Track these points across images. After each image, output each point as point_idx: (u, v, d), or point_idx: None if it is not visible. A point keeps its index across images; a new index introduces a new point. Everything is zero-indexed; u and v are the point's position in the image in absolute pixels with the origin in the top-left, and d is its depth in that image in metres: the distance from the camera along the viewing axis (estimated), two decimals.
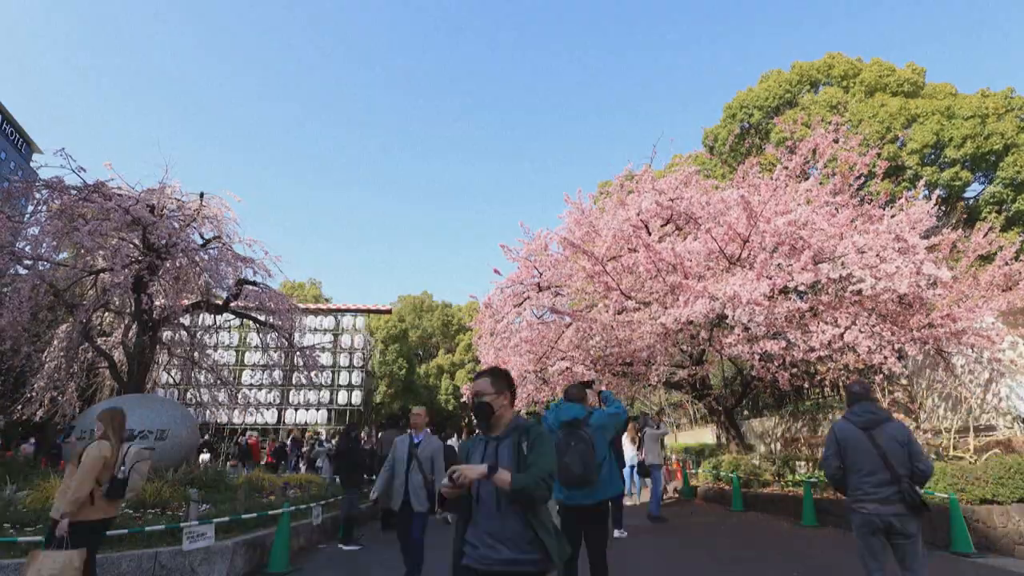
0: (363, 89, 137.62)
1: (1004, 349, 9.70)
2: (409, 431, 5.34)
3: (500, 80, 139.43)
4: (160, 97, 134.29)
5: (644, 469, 11.16)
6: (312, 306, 25.79)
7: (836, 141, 10.51)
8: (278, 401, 22.38)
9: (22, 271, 10.36)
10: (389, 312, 35.76)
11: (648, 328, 9.33)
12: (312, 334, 22.77)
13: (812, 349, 8.64)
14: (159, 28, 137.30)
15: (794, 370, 9.83)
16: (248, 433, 20.12)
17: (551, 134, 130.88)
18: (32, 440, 17.63)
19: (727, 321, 9.25)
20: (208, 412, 15.49)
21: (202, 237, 11.71)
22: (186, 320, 13.52)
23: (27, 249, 10.13)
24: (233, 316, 13.36)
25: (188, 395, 15.39)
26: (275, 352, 14.21)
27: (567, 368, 12.72)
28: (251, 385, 21.52)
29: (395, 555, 7.06)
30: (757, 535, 8.10)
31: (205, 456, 15.89)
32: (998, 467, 6.81)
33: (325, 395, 22.74)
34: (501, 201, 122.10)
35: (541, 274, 12.07)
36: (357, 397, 23.01)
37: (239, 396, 16.33)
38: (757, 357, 9.26)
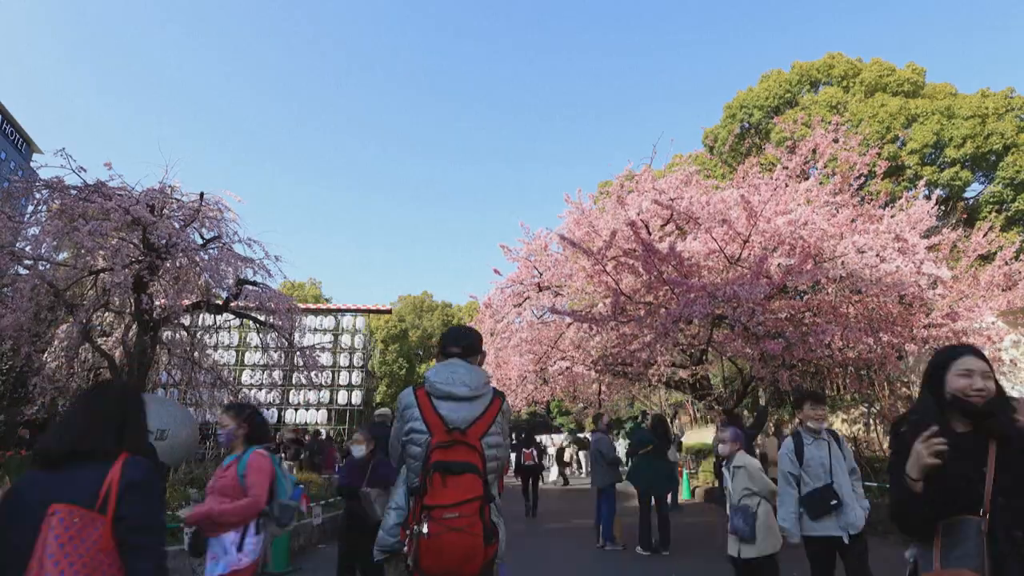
0: (363, 89, 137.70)
1: (1006, 348, 9.72)
2: None
3: (500, 81, 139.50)
4: (160, 97, 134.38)
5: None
6: (312, 306, 25.80)
7: (836, 141, 10.52)
8: (278, 401, 22.39)
9: (22, 271, 10.37)
10: (389, 312, 35.79)
11: (648, 328, 9.33)
12: (312, 334, 22.75)
13: (812, 349, 8.64)
14: (159, 28, 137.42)
15: (794, 370, 9.83)
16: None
17: (551, 134, 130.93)
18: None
19: (727, 321, 9.26)
20: (208, 412, 15.48)
21: (202, 237, 11.71)
22: (186, 320, 13.52)
23: (27, 249, 10.14)
24: (233, 316, 13.36)
25: (188, 395, 15.40)
26: (275, 352, 14.20)
27: (567, 368, 12.72)
28: (251, 385, 21.51)
29: None
30: None
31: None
32: None
33: (325, 395, 22.75)
34: (501, 201, 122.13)
35: (541, 274, 12.08)
36: (357, 397, 23.02)
37: (239, 396, 16.33)
38: (757, 357, 9.26)
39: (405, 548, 2.18)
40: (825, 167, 10.74)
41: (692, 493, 13.06)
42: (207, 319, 15.96)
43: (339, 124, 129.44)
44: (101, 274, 11.11)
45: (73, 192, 10.17)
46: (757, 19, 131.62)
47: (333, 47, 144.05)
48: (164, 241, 10.44)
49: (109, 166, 10.43)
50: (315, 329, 23.37)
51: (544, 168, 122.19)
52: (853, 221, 9.51)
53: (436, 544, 2.07)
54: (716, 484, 12.71)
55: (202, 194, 11.38)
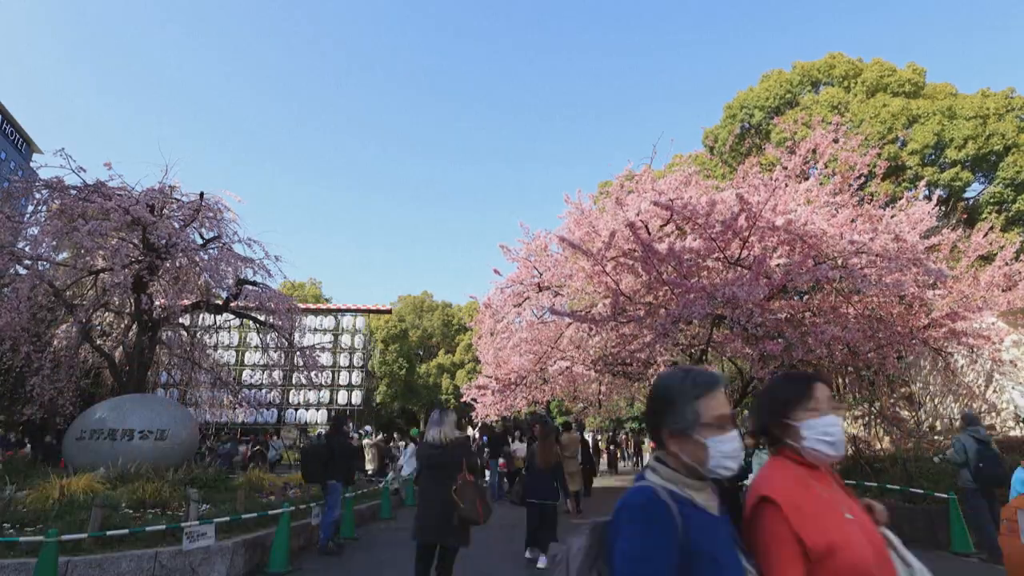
0: (363, 89, 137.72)
1: (1007, 347, 9.71)
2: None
3: (500, 81, 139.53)
4: (160, 97, 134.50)
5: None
6: (312, 306, 25.82)
7: (836, 141, 10.51)
8: (278, 401, 22.40)
9: (22, 271, 10.37)
10: (389, 312, 35.80)
11: (647, 328, 9.33)
12: (312, 334, 22.78)
13: (811, 349, 8.63)
14: (159, 28, 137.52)
15: (793, 370, 9.81)
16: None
17: (551, 134, 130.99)
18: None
19: (726, 321, 9.25)
20: (208, 412, 15.49)
21: (202, 237, 11.72)
22: (186, 320, 13.52)
23: (27, 249, 10.14)
24: (233, 316, 13.37)
25: (188, 395, 15.43)
26: (275, 352, 14.21)
27: (567, 368, 12.72)
28: (251, 385, 21.53)
29: (396, 553, 7.08)
30: None
31: None
32: None
33: (325, 395, 22.76)
34: (501, 201, 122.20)
35: (541, 274, 12.07)
36: (357, 397, 23.03)
37: (239, 396, 16.34)
38: (757, 358, 9.25)
39: None
40: (825, 167, 10.73)
41: None
42: (207, 319, 15.97)
43: (339, 124, 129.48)
44: (101, 274, 11.12)
45: (73, 192, 10.17)
46: (757, 19, 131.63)
47: (333, 47, 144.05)
48: (164, 241, 10.45)
49: (109, 166, 10.44)
50: (315, 329, 23.39)
51: (544, 168, 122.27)
52: (853, 221, 9.50)
53: None
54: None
55: (202, 194, 11.38)
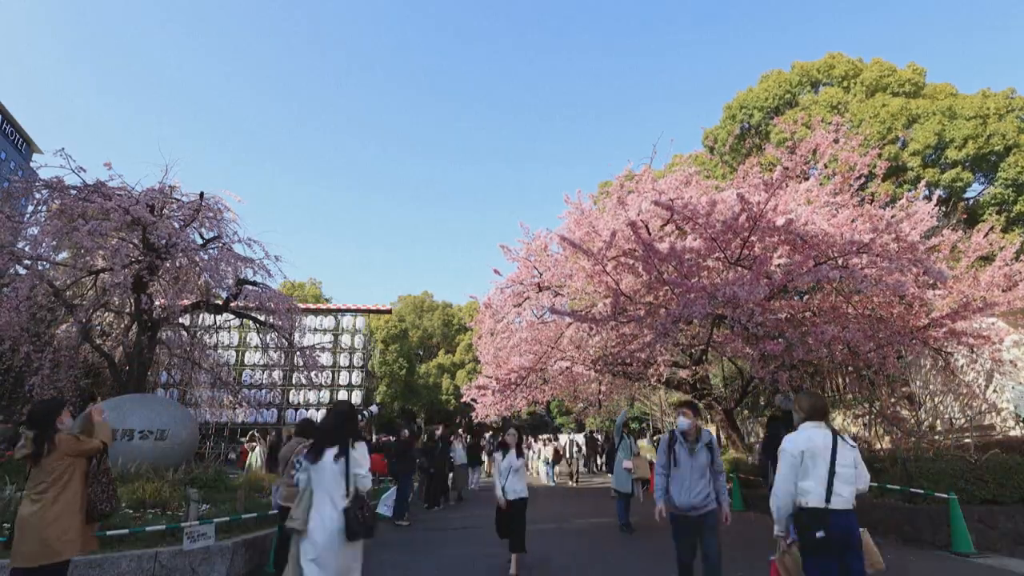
0: (363, 89, 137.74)
1: (1007, 348, 9.70)
2: None
3: (500, 81, 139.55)
4: (160, 97, 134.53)
5: None
6: (312, 306, 25.82)
7: (836, 141, 10.50)
8: (278, 401, 22.40)
9: (22, 271, 10.38)
10: (389, 312, 35.80)
11: (648, 328, 9.32)
12: (312, 334, 22.78)
13: (812, 349, 8.63)
14: (159, 28, 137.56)
15: (794, 371, 9.82)
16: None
17: (552, 135, 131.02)
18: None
19: (727, 321, 9.25)
20: (208, 412, 15.49)
21: (202, 237, 11.72)
22: (186, 320, 13.52)
23: (27, 249, 10.14)
24: (233, 316, 13.37)
25: (188, 395, 15.40)
26: (275, 352, 14.21)
27: (567, 368, 12.72)
28: (251, 385, 21.52)
29: (396, 554, 7.07)
30: (756, 535, 8.09)
31: None
32: (999, 467, 6.81)
33: (325, 395, 22.75)
34: (501, 201, 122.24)
35: (541, 274, 12.07)
36: (357, 397, 23.01)
37: (239, 396, 16.32)
38: (757, 358, 9.24)
39: None
40: (825, 168, 10.73)
41: None
42: (207, 319, 15.97)
43: (339, 124, 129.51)
44: (101, 274, 11.12)
45: (73, 192, 10.17)
46: (757, 19, 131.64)
47: (333, 47, 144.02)
48: (164, 241, 10.44)
49: (109, 166, 10.44)
50: (315, 329, 23.39)
51: (544, 168, 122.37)
52: (853, 221, 9.50)
53: None
54: None
55: (202, 194, 11.38)
